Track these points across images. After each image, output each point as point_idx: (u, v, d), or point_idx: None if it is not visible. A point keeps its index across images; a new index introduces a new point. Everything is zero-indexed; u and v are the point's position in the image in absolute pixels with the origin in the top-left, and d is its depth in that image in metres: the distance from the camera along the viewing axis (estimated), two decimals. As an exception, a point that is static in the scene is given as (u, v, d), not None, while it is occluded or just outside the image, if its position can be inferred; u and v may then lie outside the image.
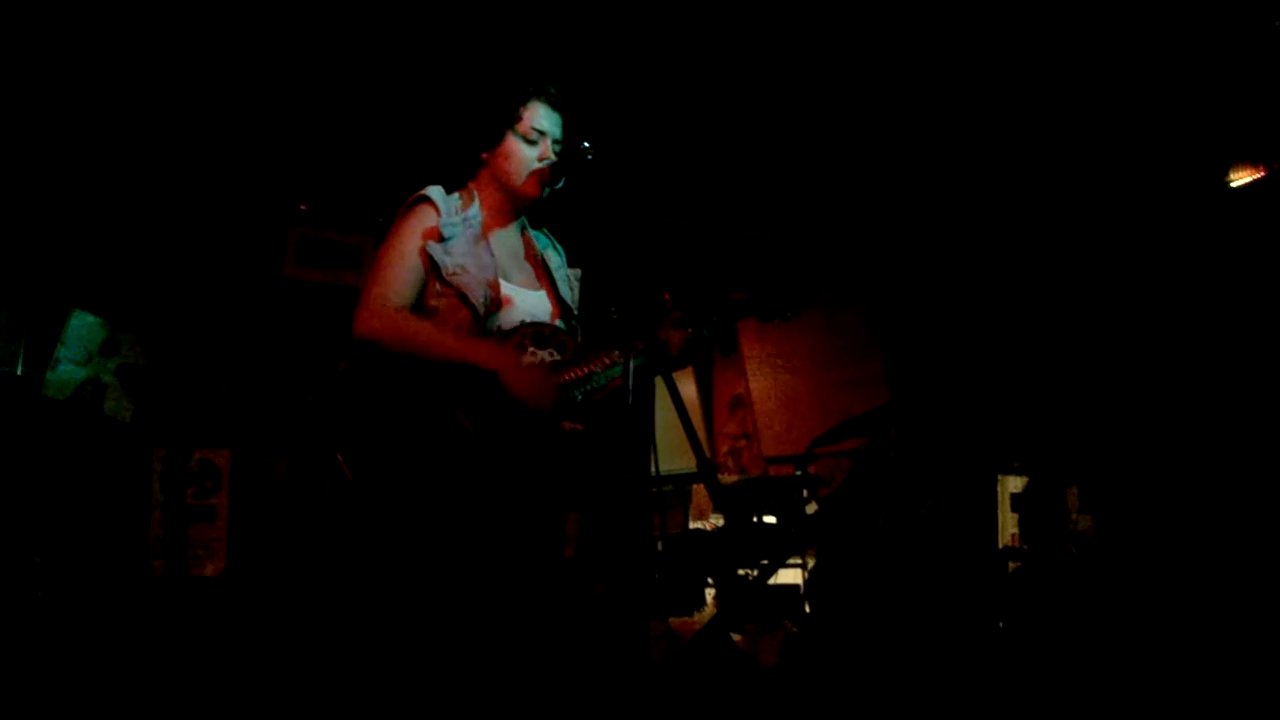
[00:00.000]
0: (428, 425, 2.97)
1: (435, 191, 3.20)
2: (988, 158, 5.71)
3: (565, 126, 3.30)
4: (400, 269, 3.11)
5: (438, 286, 3.13)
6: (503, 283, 3.21)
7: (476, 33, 5.00)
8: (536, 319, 3.22)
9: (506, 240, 3.32)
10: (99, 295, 5.10)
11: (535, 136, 3.24)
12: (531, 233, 3.42)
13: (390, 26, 4.97)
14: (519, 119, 3.23)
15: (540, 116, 3.25)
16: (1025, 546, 4.85)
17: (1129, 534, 4.69)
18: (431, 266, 3.13)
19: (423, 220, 3.16)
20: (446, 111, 5.12)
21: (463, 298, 3.12)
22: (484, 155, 3.28)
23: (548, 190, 3.25)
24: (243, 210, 5.47)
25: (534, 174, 3.22)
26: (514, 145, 3.24)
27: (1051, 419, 5.38)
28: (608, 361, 3.14)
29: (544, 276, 3.36)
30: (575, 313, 3.37)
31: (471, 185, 3.30)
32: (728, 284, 6.48)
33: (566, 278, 3.41)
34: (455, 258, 3.14)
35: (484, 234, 3.23)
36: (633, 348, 2.92)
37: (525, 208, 3.34)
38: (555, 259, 3.43)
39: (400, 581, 3.10)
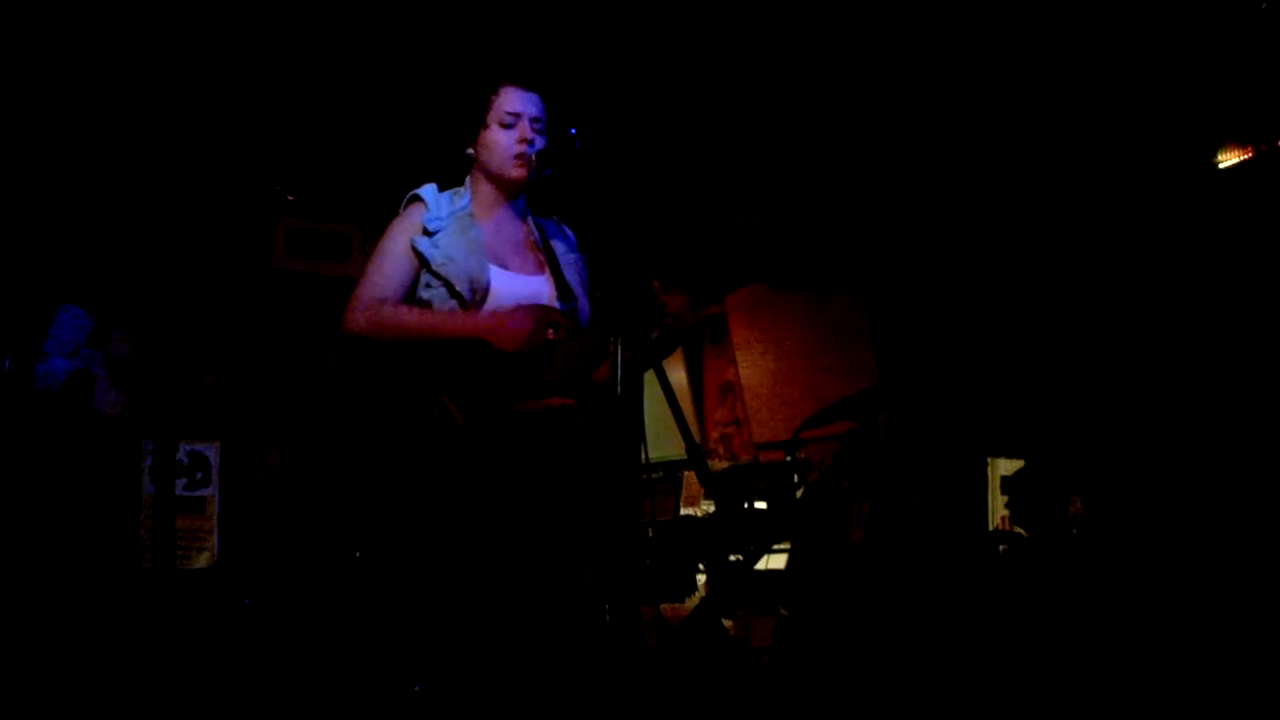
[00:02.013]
0: (413, 413, 3.00)
1: (426, 190, 3.29)
2: (975, 142, 5.70)
3: (548, 103, 3.31)
4: (386, 265, 3.21)
5: (427, 279, 3.21)
6: (495, 269, 3.24)
7: (463, 19, 4.99)
8: (536, 301, 3.24)
9: (503, 228, 3.34)
10: (87, 288, 5.08)
11: (510, 120, 3.25)
12: (535, 220, 3.43)
13: (375, 17, 4.96)
14: (488, 108, 3.25)
15: (514, 99, 3.26)
16: (1017, 529, 4.86)
17: (1119, 516, 4.70)
18: (421, 260, 3.19)
19: (411, 218, 3.26)
20: (429, 107, 5.11)
21: (450, 289, 3.16)
22: (469, 150, 3.31)
23: (533, 174, 3.26)
24: (230, 201, 5.45)
25: (515, 157, 3.24)
26: (491, 134, 3.27)
27: (1041, 401, 5.39)
28: (587, 344, 3.13)
29: (546, 262, 3.37)
30: (576, 297, 3.38)
31: (467, 178, 3.35)
32: (718, 269, 6.49)
33: (574, 262, 3.43)
34: (443, 249, 3.20)
35: (476, 223, 3.26)
36: (617, 334, 2.92)
37: (520, 192, 3.36)
38: (561, 245, 3.44)
39: (391, 572, 3.12)
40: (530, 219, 3.43)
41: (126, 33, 4.81)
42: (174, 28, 4.84)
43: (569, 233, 3.51)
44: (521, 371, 3.11)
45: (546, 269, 3.36)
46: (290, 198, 5.57)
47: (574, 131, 3.16)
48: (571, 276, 3.39)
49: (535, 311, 3.17)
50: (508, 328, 3.11)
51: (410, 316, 3.15)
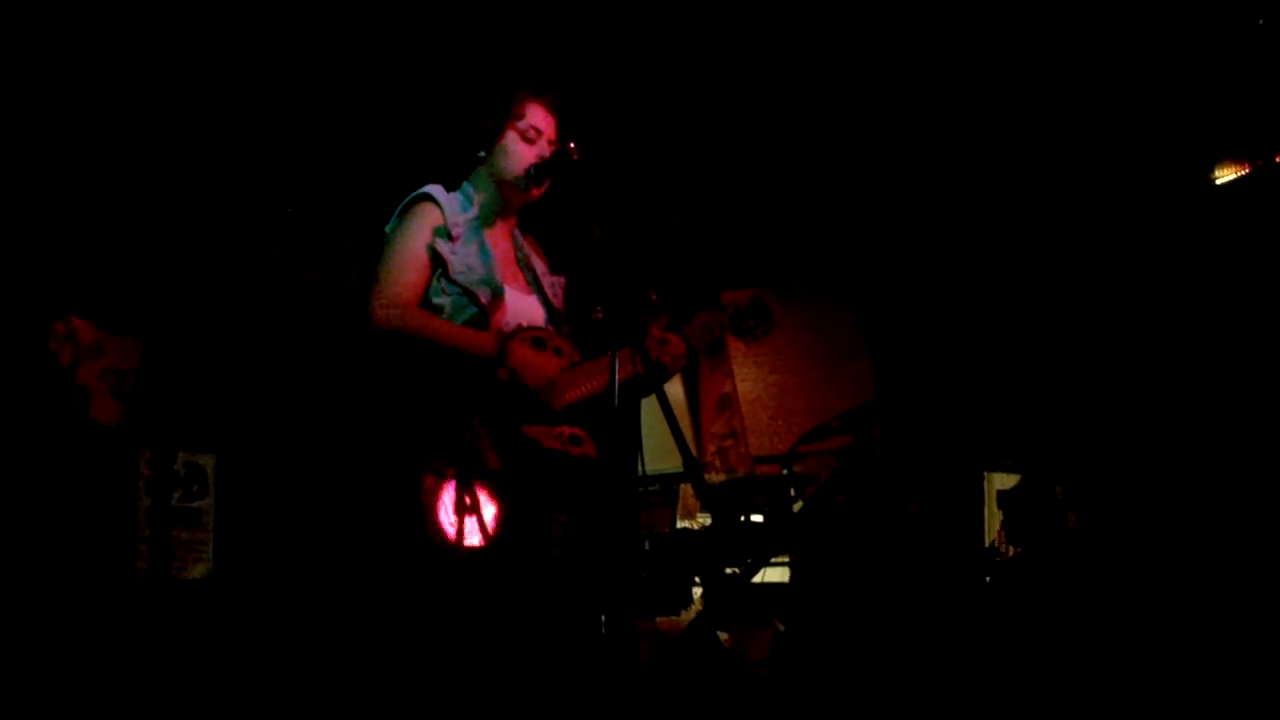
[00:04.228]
0: (444, 430, 2.99)
1: (437, 190, 3.24)
2: (974, 156, 5.71)
3: (560, 128, 3.31)
4: (408, 265, 3.15)
5: (443, 284, 3.17)
6: (501, 284, 3.23)
7: (463, 32, 5.00)
8: (532, 323, 3.24)
9: (500, 242, 3.34)
10: (84, 299, 5.08)
11: (533, 135, 3.25)
12: (520, 238, 3.43)
13: (378, 25, 4.96)
14: (520, 116, 3.24)
15: (539, 115, 3.26)
16: (1012, 545, 4.85)
17: (1114, 530, 4.69)
18: (438, 264, 3.16)
19: (427, 218, 3.20)
20: (439, 111, 5.11)
21: (471, 296, 3.16)
22: (481, 154, 3.29)
23: (540, 190, 3.26)
24: (229, 212, 5.45)
25: (531, 172, 3.23)
26: (512, 143, 3.26)
27: (1037, 416, 5.39)
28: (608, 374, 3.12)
29: (532, 284, 3.37)
30: (563, 319, 3.39)
31: (468, 186, 3.32)
32: (715, 283, 6.49)
33: (551, 285, 3.43)
34: (461, 256, 3.17)
35: (483, 234, 3.25)
36: (618, 349, 2.93)
37: (519, 209, 3.35)
38: (540, 265, 3.44)
39: (390, 582, 3.11)
40: (518, 236, 3.43)
41: (124, 44, 4.81)
42: (172, 39, 4.84)
43: (542, 253, 3.50)
44: (532, 397, 3.11)
45: (533, 289, 3.36)
46: (288, 209, 5.57)
47: (572, 145, 3.17)
48: (555, 298, 3.39)
49: (557, 362, 3.16)
50: (535, 369, 3.10)
51: (442, 325, 3.12)
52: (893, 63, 5.31)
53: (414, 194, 3.25)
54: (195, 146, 5.28)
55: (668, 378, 3.28)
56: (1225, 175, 5.12)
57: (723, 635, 4.79)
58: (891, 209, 6.07)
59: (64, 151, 5.01)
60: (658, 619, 4.80)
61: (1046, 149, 5.48)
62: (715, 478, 6.65)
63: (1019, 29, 5.01)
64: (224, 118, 5.25)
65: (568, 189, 3.20)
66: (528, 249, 3.43)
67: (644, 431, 3.24)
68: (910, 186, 5.96)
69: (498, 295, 3.19)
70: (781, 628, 4.85)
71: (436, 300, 3.16)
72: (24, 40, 4.68)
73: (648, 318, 3.26)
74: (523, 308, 3.27)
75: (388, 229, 3.26)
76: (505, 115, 3.26)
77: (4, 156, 4.86)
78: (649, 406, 3.13)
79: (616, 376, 2.89)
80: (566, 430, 3.12)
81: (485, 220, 3.29)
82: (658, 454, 3.51)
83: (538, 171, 3.22)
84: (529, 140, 3.25)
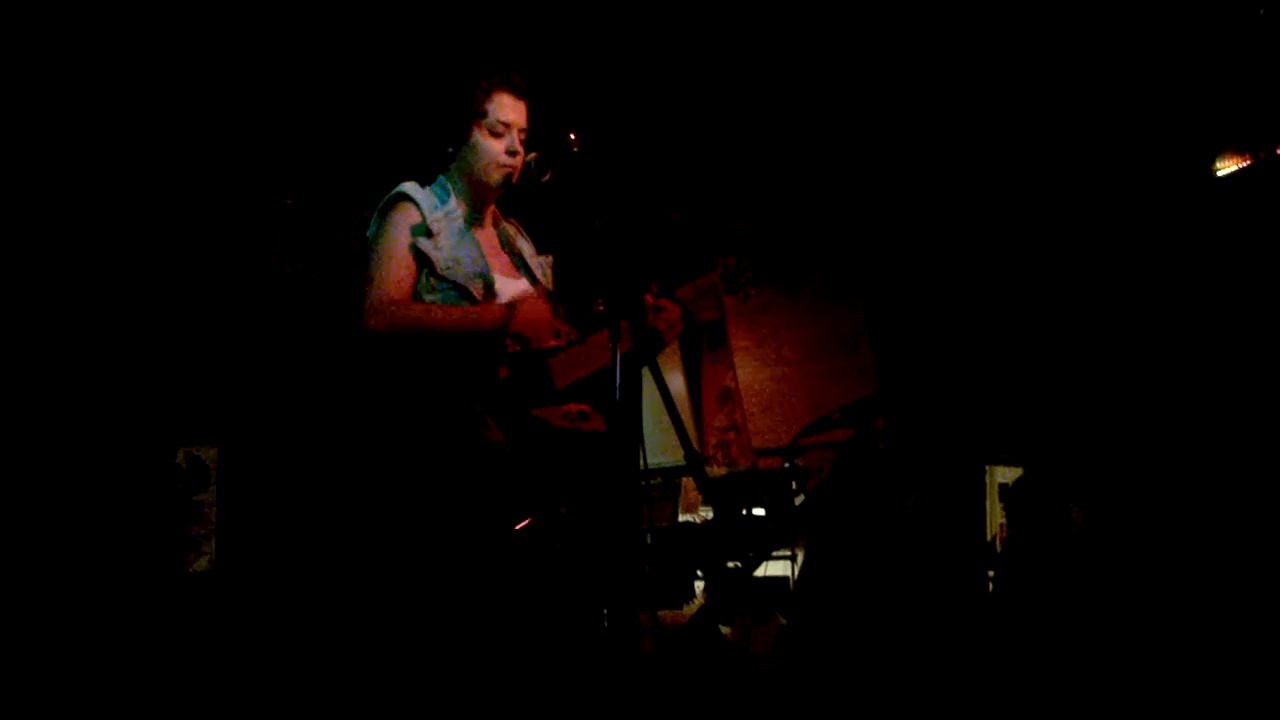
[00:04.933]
0: (451, 420, 2.99)
1: (411, 188, 3.21)
2: (976, 149, 5.71)
3: (532, 113, 3.29)
4: (395, 267, 3.12)
5: (432, 281, 3.15)
6: (490, 273, 3.22)
7: (453, 21, 5.00)
8: None
9: (483, 232, 3.33)
10: (85, 292, 5.07)
11: (500, 129, 3.23)
12: (503, 223, 3.43)
13: (366, 18, 4.96)
14: (484, 114, 3.22)
15: (505, 107, 3.24)
16: (1016, 537, 4.85)
17: (1118, 525, 4.69)
18: (423, 263, 3.14)
19: (406, 218, 3.17)
20: (419, 105, 5.11)
21: (462, 290, 3.15)
22: (451, 150, 3.28)
23: (510, 183, 3.25)
24: (228, 205, 5.45)
25: (501, 168, 3.22)
26: (480, 139, 3.23)
27: (1040, 409, 5.39)
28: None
29: (520, 266, 3.36)
30: (556, 299, 3.38)
31: (443, 179, 3.30)
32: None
33: (540, 265, 3.42)
34: (445, 252, 3.16)
35: (465, 227, 3.24)
36: (619, 335, 2.92)
37: (496, 199, 3.35)
38: (527, 248, 3.44)
39: (398, 575, 3.11)
40: (499, 222, 3.42)
41: (113, 41, 4.81)
42: (162, 36, 4.84)
43: (527, 235, 3.50)
44: (536, 379, 3.10)
45: (521, 272, 3.36)
46: (287, 202, 5.57)
47: (573, 137, 3.15)
48: (544, 278, 3.39)
49: (544, 301, 3.16)
50: (530, 319, 3.09)
51: (437, 312, 3.11)
52: (894, 54, 5.31)
53: (389, 195, 3.23)
54: (194, 140, 5.28)
55: (665, 345, 3.27)
56: (1227, 167, 5.11)
57: (725, 629, 4.79)
58: (893, 202, 6.07)
59: (65, 146, 5.00)
60: (660, 612, 4.80)
61: (1049, 142, 5.47)
62: (717, 471, 6.66)
63: (1020, 20, 5.00)
64: (223, 111, 5.25)
65: (568, 180, 3.19)
66: (511, 232, 3.43)
67: (646, 425, 3.23)
68: (911, 179, 5.96)
69: (490, 286, 3.18)
70: (784, 621, 4.86)
71: (429, 298, 3.15)
72: (25, 34, 4.67)
73: (642, 291, 3.25)
74: (515, 292, 3.26)
75: (369, 234, 3.24)
76: (470, 113, 3.24)
77: (2, 148, 4.86)
78: (651, 401, 3.12)
79: (618, 355, 2.88)
80: (574, 408, 3.12)
81: (465, 213, 3.28)
82: (659, 448, 3.51)
83: (539, 163, 3.21)
84: (497, 135, 3.23)
